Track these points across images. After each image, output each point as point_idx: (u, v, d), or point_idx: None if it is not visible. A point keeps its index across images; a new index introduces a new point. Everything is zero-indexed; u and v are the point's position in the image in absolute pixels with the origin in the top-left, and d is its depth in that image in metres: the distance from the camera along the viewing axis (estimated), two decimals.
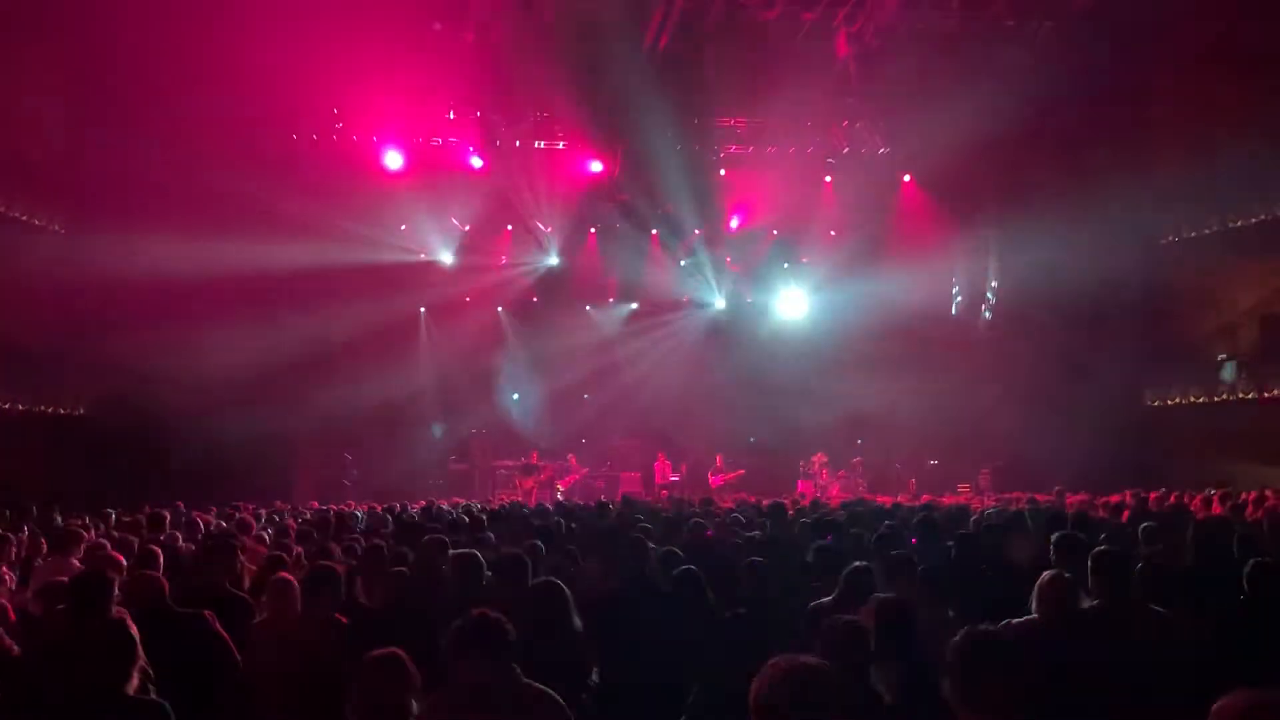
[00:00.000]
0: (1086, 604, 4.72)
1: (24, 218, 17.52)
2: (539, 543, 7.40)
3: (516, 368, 23.59)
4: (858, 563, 5.55)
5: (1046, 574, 4.77)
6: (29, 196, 17.61)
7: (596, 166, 21.78)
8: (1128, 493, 13.17)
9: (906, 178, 22.19)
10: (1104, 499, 12.74)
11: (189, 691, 4.80)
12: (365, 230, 20.74)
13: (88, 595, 4.73)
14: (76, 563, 7.47)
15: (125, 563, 6.52)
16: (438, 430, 22.90)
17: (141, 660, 3.89)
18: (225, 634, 5.32)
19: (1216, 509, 10.68)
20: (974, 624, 3.15)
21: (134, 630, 3.89)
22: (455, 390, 22.85)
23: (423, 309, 23.80)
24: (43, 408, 17.80)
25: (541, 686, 3.81)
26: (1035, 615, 4.70)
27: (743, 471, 22.66)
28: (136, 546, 7.48)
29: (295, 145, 19.91)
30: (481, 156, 21.19)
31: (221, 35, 16.99)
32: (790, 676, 2.59)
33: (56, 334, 17.76)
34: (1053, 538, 5.75)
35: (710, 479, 22.35)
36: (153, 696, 4.04)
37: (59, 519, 10.87)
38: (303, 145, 20.12)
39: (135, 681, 3.84)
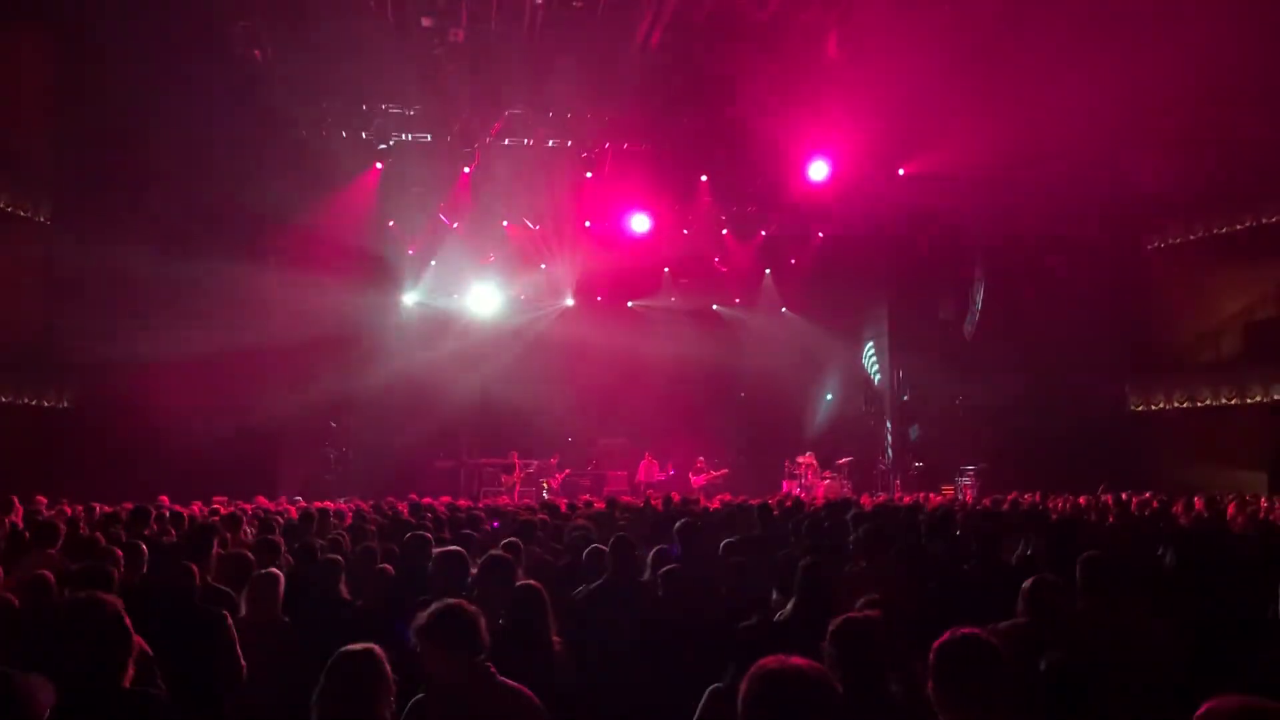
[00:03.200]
0: (1074, 607, 4.75)
1: (8, 208, 17.39)
2: (518, 540, 7.40)
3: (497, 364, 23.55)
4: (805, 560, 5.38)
5: (1033, 577, 4.79)
6: (13, 186, 17.47)
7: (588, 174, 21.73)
8: (1108, 497, 13.25)
9: (900, 171, 22.20)
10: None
11: (194, 689, 4.82)
12: (351, 223, 20.73)
13: (87, 589, 4.71)
14: (56, 555, 7.43)
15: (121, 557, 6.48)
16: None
17: (137, 650, 3.86)
18: (236, 640, 5.31)
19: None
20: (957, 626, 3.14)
21: (128, 621, 3.85)
22: (440, 386, 22.83)
23: (407, 300, 23.76)
24: (27, 400, 17.66)
25: (515, 685, 3.74)
26: (1021, 618, 4.72)
27: (726, 471, 22.74)
28: (123, 539, 7.45)
29: (286, 137, 19.80)
30: (470, 155, 21.11)
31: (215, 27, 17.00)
32: (772, 678, 2.56)
33: (42, 327, 17.64)
34: (1044, 542, 5.77)
35: (692, 479, 22.39)
36: (150, 689, 4.00)
37: (43, 512, 10.79)
38: (297, 137, 20.00)
39: (131, 672, 3.81)
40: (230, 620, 5.33)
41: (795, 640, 3.69)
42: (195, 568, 5.66)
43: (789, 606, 5.17)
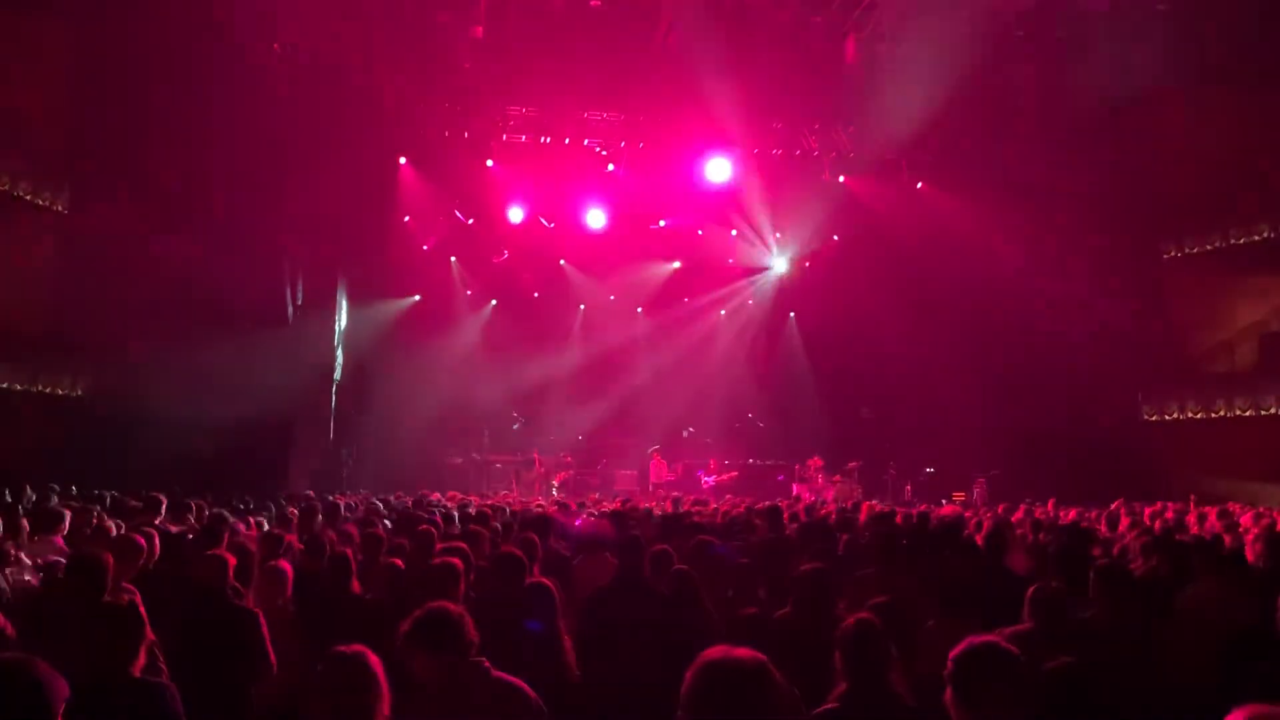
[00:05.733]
0: (1083, 614, 4.74)
1: (26, 196, 17.47)
2: (534, 537, 7.40)
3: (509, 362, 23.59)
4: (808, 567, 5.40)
5: (1039, 585, 4.79)
6: (31, 175, 17.56)
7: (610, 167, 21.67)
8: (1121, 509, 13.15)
9: (919, 185, 22.17)
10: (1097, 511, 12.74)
11: (223, 684, 4.84)
12: (368, 216, 20.80)
13: (85, 576, 4.72)
14: (61, 542, 7.46)
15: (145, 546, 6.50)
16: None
17: (149, 640, 3.87)
18: (268, 638, 5.32)
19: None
20: (974, 633, 3.15)
21: (143, 611, 3.87)
22: (451, 383, 22.87)
23: (418, 296, 23.78)
24: (40, 388, 17.75)
25: (511, 679, 3.72)
26: (1027, 624, 4.70)
27: (735, 474, 22.69)
28: (124, 530, 7.47)
29: (304, 131, 19.85)
30: (487, 151, 21.12)
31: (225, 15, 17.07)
32: (715, 670, 2.53)
33: (56, 315, 17.72)
34: (1052, 551, 5.76)
35: (702, 479, 22.36)
36: (160, 678, 4.00)
37: (55, 500, 10.84)
38: (314, 132, 20.05)
39: (142, 661, 3.81)
40: (262, 616, 5.34)
41: (791, 642, 3.70)
42: (231, 560, 5.70)
43: (788, 608, 5.17)
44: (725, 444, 23.88)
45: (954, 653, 3.06)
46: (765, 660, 2.56)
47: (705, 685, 2.51)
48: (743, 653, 2.56)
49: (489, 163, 21.21)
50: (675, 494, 17.21)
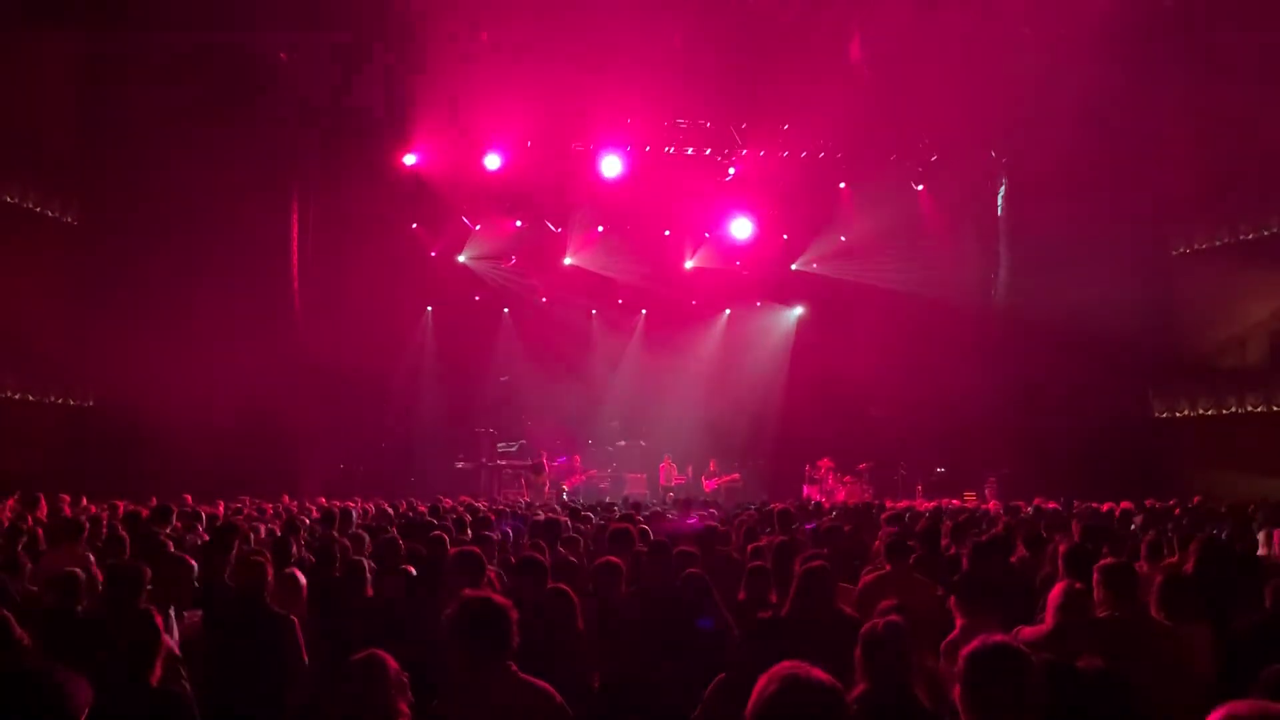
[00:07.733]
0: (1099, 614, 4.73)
1: (37, 209, 17.56)
2: (543, 542, 7.42)
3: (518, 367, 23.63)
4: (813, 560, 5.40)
5: (1060, 584, 4.78)
6: (41, 188, 17.65)
7: (614, 167, 21.64)
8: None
9: (919, 186, 22.17)
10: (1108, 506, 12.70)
11: (261, 688, 4.88)
12: (376, 225, 20.84)
13: (123, 586, 4.78)
14: (85, 553, 7.50)
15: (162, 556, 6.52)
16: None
17: (166, 649, 3.88)
18: (302, 642, 5.37)
19: None
20: (986, 633, 3.14)
21: (159, 620, 3.89)
22: (459, 387, 22.94)
23: (429, 308, 23.82)
24: (53, 399, 17.82)
25: (539, 683, 3.69)
26: (1047, 624, 4.70)
27: (737, 476, 22.61)
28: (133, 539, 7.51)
29: (311, 135, 19.91)
30: (495, 157, 21.09)
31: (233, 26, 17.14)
32: (788, 686, 2.54)
33: (68, 326, 17.80)
34: (1062, 550, 5.75)
35: (704, 483, 22.31)
36: (175, 687, 4.02)
37: (67, 510, 10.90)
38: (322, 136, 20.10)
39: (159, 671, 3.83)
40: (297, 622, 5.39)
41: (786, 636, 3.70)
42: (269, 566, 5.76)
43: (785, 603, 5.17)
44: (733, 445, 23.76)
45: (965, 651, 3.06)
46: (835, 680, 2.59)
47: (780, 699, 2.53)
48: (810, 669, 2.58)
49: (496, 160, 21.14)
50: (685, 497, 17.18)
